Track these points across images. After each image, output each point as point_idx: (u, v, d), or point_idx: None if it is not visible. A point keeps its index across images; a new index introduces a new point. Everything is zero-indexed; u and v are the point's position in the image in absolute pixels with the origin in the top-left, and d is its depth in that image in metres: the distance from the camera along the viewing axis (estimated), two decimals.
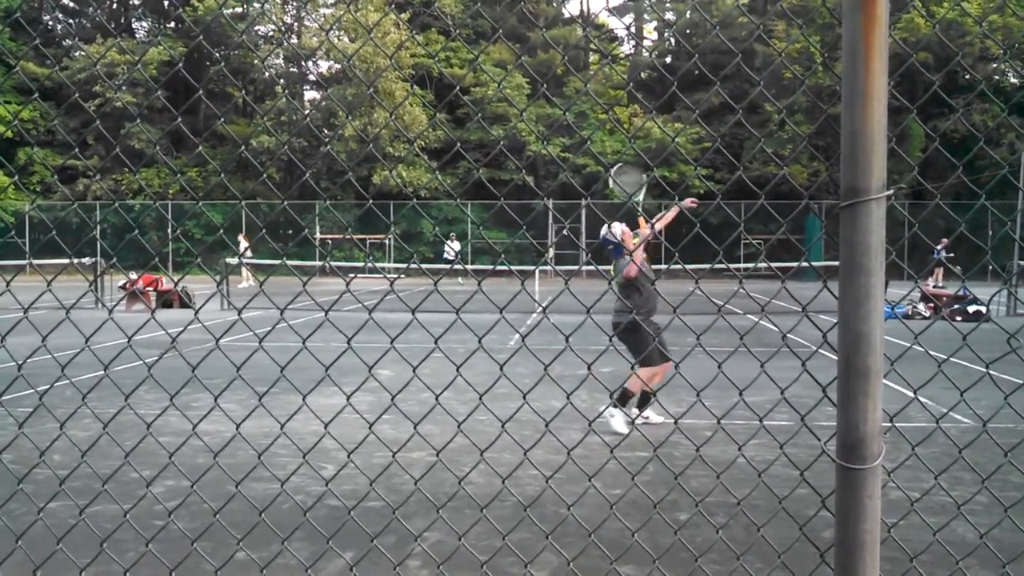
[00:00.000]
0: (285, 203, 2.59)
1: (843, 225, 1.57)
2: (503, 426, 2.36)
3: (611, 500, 5.11)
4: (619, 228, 7.69)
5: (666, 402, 8.69)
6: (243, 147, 2.74)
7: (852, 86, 1.58)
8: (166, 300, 18.40)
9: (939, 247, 25.39)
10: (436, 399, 2.45)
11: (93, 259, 20.50)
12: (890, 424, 1.67)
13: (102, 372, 2.32)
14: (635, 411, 7.62)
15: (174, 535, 4.36)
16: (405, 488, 5.51)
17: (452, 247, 33.45)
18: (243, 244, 25.53)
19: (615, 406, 7.39)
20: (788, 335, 2.61)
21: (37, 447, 3.07)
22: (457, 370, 2.35)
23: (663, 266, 28.45)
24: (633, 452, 6.58)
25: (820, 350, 1.90)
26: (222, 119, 2.71)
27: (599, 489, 3.14)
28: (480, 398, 2.42)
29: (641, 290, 7.51)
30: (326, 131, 39.74)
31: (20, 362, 2.38)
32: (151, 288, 18.50)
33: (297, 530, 4.62)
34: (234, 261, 23.78)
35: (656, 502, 2.38)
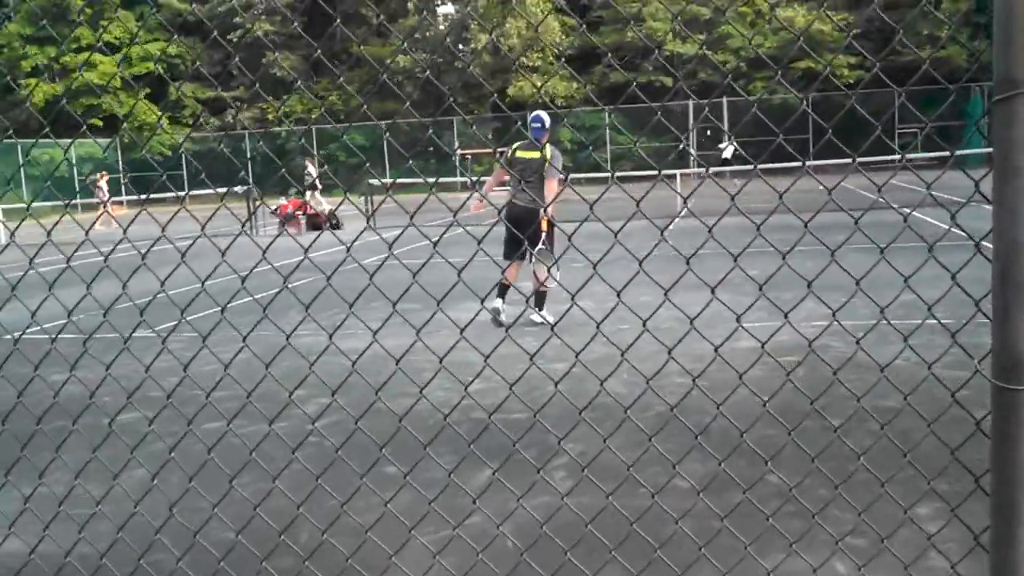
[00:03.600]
0: (430, 131, 2.57)
1: (997, 121, 1.41)
2: (644, 324, 2.26)
3: (757, 406, 5.00)
4: (548, 119, 8.31)
5: (811, 303, 8.38)
6: (382, 74, 2.73)
7: None
8: (314, 223, 19.06)
9: None
10: (572, 298, 2.41)
11: (246, 187, 21.35)
12: None
13: (263, 294, 2.39)
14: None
15: (327, 450, 4.57)
16: (547, 400, 5.55)
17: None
18: (311, 169, 24.99)
19: (539, 308, 8.27)
20: (951, 229, 2.45)
21: (180, 366, 3.23)
22: (595, 268, 2.29)
23: (813, 162, 27.24)
24: (780, 357, 6.40)
25: (982, 245, 1.74)
26: (359, 43, 2.69)
27: (752, 389, 3.05)
28: (618, 293, 2.37)
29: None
30: (460, 46, 39.59)
31: (203, 280, 2.49)
32: (300, 212, 19.18)
33: (443, 444, 4.76)
34: (376, 182, 24.22)
35: (811, 401, 2.29)
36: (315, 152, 37.77)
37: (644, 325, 1.94)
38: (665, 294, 2.04)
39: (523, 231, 7.74)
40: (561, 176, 8.17)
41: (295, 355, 2.73)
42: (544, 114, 8.31)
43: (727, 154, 29.54)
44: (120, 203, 30.25)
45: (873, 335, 6.71)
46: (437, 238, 2.18)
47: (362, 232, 2.28)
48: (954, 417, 2.19)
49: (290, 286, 2.20)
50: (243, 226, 2.23)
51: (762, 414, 2.17)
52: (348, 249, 1.90)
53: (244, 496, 2.83)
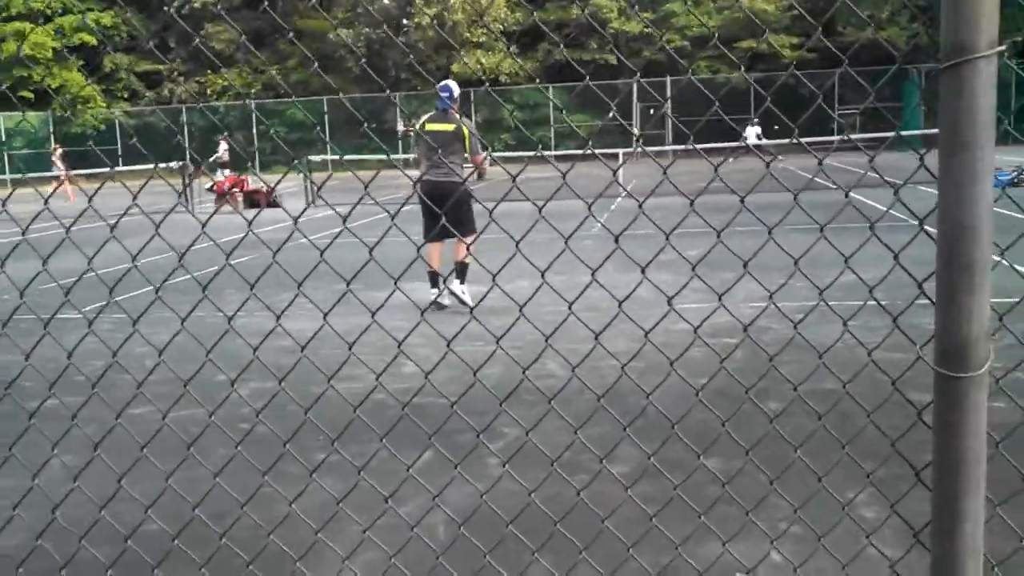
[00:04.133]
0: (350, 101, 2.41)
1: (944, 89, 1.31)
2: (570, 307, 2.14)
3: (695, 389, 4.94)
4: (457, 89, 8.12)
5: (752, 284, 8.37)
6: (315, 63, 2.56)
7: None
8: (252, 200, 18.66)
9: None
10: (493, 279, 2.29)
11: (181, 162, 20.85)
12: (1000, 324, 1.45)
13: (191, 275, 2.23)
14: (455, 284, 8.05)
15: (259, 437, 4.40)
16: (485, 384, 5.45)
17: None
18: (222, 146, 24.74)
19: (460, 281, 7.95)
20: (889, 211, 2.38)
21: (109, 347, 3.05)
22: (517, 245, 2.17)
23: (756, 141, 27.56)
24: (719, 339, 6.38)
25: (926, 227, 1.64)
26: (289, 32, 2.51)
27: (692, 372, 2.97)
28: (542, 274, 2.25)
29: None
30: (405, 21, 39.08)
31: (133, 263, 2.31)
32: (237, 189, 18.76)
33: (368, 432, 4.62)
34: (318, 159, 23.83)
35: (746, 390, 2.20)
36: (255, 127, 37.06)
37: (570, 307, 1.83)
38: (592, 273, 1.92)
39: (439, 206, 7.52)
40: (483, 152, 8.03)
41: (229, 335, 2.56)
42: (453, 83, 8.08)
43: (752, 139, 28.78)
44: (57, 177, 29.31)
45: (813, 316, 6.75)
46: (346, 215, 2.04)
47: (257, 213, 2.15)
48: (895, 402, 2.13)
49: (216, 267, 2.03)
50: (185, 200, 2.06)
51: (696, 402, 2.07)
52: (250, 224, 1.75)
53: (133, 496, 2.66)
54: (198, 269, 8.79)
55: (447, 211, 7.67)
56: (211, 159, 23.28)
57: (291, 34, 1.98)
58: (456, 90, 8.06)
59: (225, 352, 6.25)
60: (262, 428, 4.44)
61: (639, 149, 25.67)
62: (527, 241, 2.11)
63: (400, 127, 36.15)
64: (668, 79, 34.38)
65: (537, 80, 35.79)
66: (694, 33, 35.66)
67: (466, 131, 7.89)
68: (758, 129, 28.35)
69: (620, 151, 22.32)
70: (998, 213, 1.32)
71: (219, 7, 36.35)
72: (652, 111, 36.51)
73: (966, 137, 1.28)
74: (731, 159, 23.24)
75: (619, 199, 17.55)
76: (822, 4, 35.23)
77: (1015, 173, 16.62)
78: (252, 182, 19.25)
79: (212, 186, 19.43)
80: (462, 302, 7.80)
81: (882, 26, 33.16)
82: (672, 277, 8.38)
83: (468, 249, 7.64)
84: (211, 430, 3.93)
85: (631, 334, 6.29)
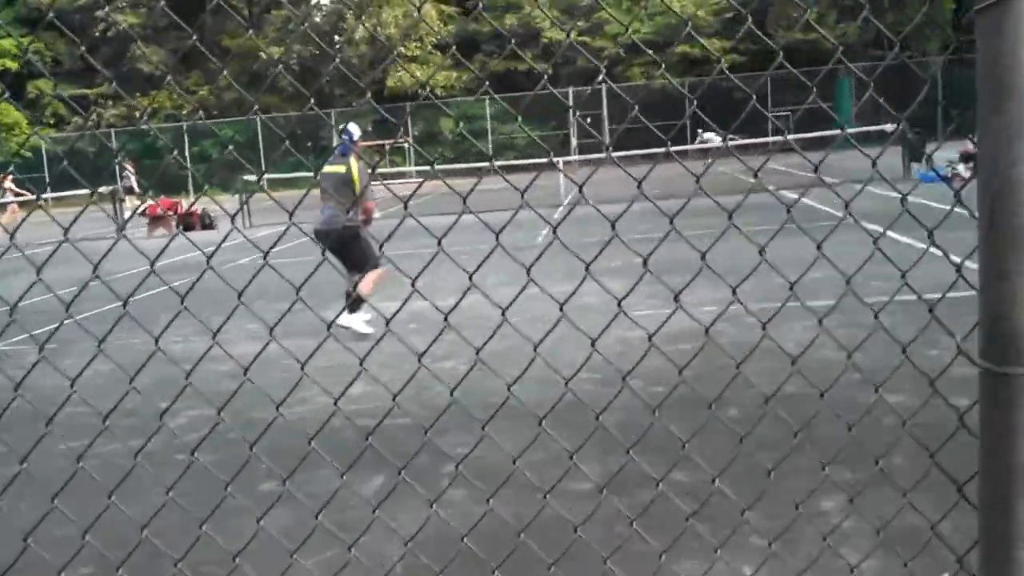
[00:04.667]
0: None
1: (983, 31, 1.10)
2: (562, 305, 1.92)
3: (654, 400, 4.76)
4: (358, 132, 7.81)
5: (706, 288, 8.24)
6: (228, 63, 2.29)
7: None
8: (187, 223, 18.14)
9: None
10: (470, 278, 2.05)
11: (112, 187, 20.22)
12: None
13: (123, 302, 1.94)
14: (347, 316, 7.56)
15: (195, 469, 4.06)
16: (437, 402, 5.19)
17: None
18: (130, 171, 24.65)
19: (351, 312, 7.45)
20: (886, 226, 2.26)
21: (10, 379, 2.73)
22: (487, 258, 1.93)
23: (689, 146, 27.72)
24: (675, 345, 6.18)
25: (869, 223, 1.45)
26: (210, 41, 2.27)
27: (645, 380, 2.76)
28: (536, 276, 2.02)
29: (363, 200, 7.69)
30: (337, 36, 38.67)
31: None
32: (171, 212, 18.22)
33: (325, 456, 4.34)
34: (252, 178, 23.32)
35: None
36: (186, 149, 36.28)
37: (562, 307, 1.60)
38: (586, 267, 1.69)
39: (331, 251, 7.09)
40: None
41: (164, 364, 2.27)
42: (354, 127, 7.73)
43: (716, 143, 28.17)
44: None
45: (762, 320, 6.56)
46: (274, 241, 1.78)
47: (174, 237, 1.91)
48: (851, 404, 1.93)
49: (150, 293, 1.75)
50: (55, 229, 1.78)
51: (668, 412, 1.85)
52: (171, 239, 1.49)
53: (41, 553, 2.35)
54: (132, 296, 8.38)
55: (341, 256, 7.34)
56: (123, 188, 22.84)
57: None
58: (356, 133, 7.72)
59: (164, 381, 5.89)
60: (199, 463, 4.10)
61: (578, 157, 25.63)
62: (472, 253, 1.88)
63: (335, 143, 35.65)
64: (604, 87, 34.46)
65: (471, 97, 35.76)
66: (627, 40, 35.83)
67: (355, 174, 7.52)
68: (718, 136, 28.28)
69: (560, 159, 22.24)
70: (936, 209, 1.12)
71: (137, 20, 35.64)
72: (588, 119, 36.58)
73: (1013, 83, 1.07)
74: (707, 162, 23.18)
75: (561, 207, 17.41)
76: (752, 6, 35.69)
77: (949, 165, 16.79)
78: (186, 205, 18.72)
79: (144, 209, 18.85)
80: (356, 332, 7.33)
81: (812, 27, 33.69)
82: (623, 284, 8.18)
83: (369, 285, 7.36)
84: (139, 468, 3.60)
85: (586, 346, 6.08)
